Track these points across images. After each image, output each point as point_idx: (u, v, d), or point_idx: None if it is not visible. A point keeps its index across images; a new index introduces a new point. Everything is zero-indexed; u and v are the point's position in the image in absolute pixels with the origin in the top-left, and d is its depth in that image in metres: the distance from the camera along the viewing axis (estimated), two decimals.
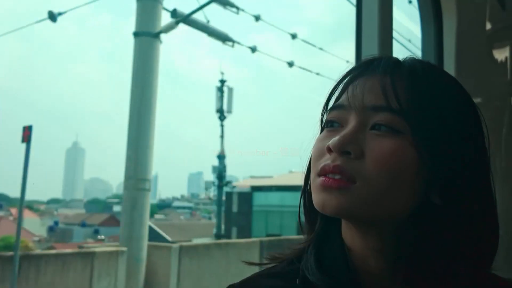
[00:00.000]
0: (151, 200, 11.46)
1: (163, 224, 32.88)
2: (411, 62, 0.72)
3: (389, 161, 0.64)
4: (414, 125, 0.65)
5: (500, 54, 2.00)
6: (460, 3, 1.66)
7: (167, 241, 24.24)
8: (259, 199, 30.22)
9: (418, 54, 1.78)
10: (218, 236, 21.81)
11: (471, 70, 1.79)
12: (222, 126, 21.68)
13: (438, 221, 0.66)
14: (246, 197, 30.43)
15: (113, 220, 35.80)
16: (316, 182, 0.67)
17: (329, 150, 0.66)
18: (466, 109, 0.71)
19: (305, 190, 0.77)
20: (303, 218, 0.79)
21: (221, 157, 22.42)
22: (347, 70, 0.75)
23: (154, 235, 25.66)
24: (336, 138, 0.65)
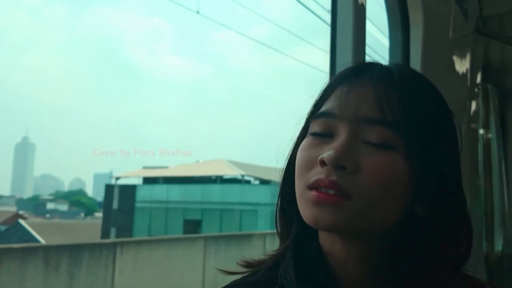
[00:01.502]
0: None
1: (41, 224, 26.64)
2: (402, 71, 0.71)
3: (384, 176, 0.63)
4: (407, 139, 0.64)
5: (462, 60, 2.10)
6: (427, 13, 1.73)
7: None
8: (146, 193, 24.94)
9: (382, 61, 1.85)
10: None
11: (436, 75, 1.87)
12: None
13: (421, 228, 0.67)
14: (129, 191, 24.93)
15: (16, 218, 30.20)
16: (306, 195, 0.66)
17: (322, 163, 0.64)
18: (448, 119, 0.71)
19: (283, 195, 0.76)
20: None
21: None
22: (337, 75, 0.72)
23: (26, 237, 21.18)
24: (331, 153, 0.63)
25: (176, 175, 25.99)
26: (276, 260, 0.74)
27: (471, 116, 2.39)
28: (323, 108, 0.70)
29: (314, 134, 0.69)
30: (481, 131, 3.06)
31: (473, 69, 2.20)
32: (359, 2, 1.31)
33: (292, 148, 0.76)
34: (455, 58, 1.97)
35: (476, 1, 2.09)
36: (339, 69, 1.32)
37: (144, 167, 30.93)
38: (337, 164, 0.63)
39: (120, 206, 24.62)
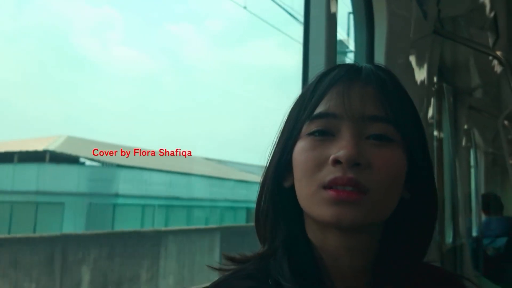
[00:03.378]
0: None
1: None
2: (384, 71, 0.76)
3: (392, 167, 0.68)
4: (403, 132, 0.70)
5: (421, 60, 2.16)
6: (390, 14, 1.77)
7: None
8: None
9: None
10: None
11: (398, 72, 1.92)
12: None
13: (406, 213, 0.73)
14: None
15: None
16: (322, 195, 0.67)
17: (336, 162, 0.66)
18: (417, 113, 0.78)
19: (266, 194, 0.77)
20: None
21: None
22: (333, 76, 0.74)
23: None
24: (345, 151, 0.65)
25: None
26: (265, 256, 0.75)
27: (427, 113, 2.47)
28: (320, 109, 0.71)
29: (313, 134, 0.70)
30: (435, 128, 3.18)
31: (430, 69, 2.27)
32: (331, 11, 1.36)
33: (280, 150, 0.76)
34: (415, 58, 2.02)
35: (435, 3, 2.16)
36: (312, 71, 1.35)
37: None
38: (354, 162, 0.65)
39: None
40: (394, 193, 0.69)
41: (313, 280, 0.70)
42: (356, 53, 1.85)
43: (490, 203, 4.68)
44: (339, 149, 0.66)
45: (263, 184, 0.78)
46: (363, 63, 0.77)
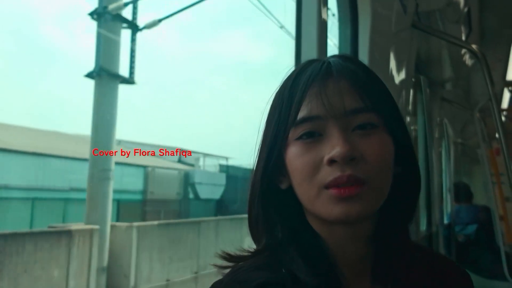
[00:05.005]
0: None
1: None
2: (353, 60, 0.78)
3: (384, 154, 0.71)
4: (385, 116, 0.73)
5: (401, 53, 2.22)
6: (374, 7, 1.82)
7: None
8: None
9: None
10: None
11: (381, 65, 1.97)
12: None
13: (394, 189, 0.75)
14: None
15: None
16: (326, 194, 0.69)
17: (331, 162, 0.69)
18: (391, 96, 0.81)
19: (257, 197, 0.79)
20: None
21: None
22: (307, 77, 0.75)
23: None
24: (338, 150, 0.68)
25: None
26: (269, 250, 0.78)
27: (403, 105, 2.54)
28: (303, 113, 0.72)
29: (301, 138, 0.72)
30: (409, 119, 3.27)
31: (409, 61, 2.33)
32: (322, 19, 1.41)
33: (265, 156, 0.77)
34: (396, 51, 2.07)
35: None
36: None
37: None
38: (349, 158, 0.68)
39: None
40: (389, 175, 0.73)
41: (323, 268, 0.73)
42: (341, 48, 1.89)
43: (460, 192, 4.83)
44: (331, 148, 0.69)
45: (253, 188, 0.80)
46: (329, 57, 0.78)
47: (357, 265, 0.76)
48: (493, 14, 3.15)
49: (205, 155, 25.74)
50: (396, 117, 0.76)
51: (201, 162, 25.56)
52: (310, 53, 1.38)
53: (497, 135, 5.68)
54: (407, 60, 2.32)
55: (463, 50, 3.34)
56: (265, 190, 0.78)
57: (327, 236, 0.75)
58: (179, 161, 22.99)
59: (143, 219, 15.88)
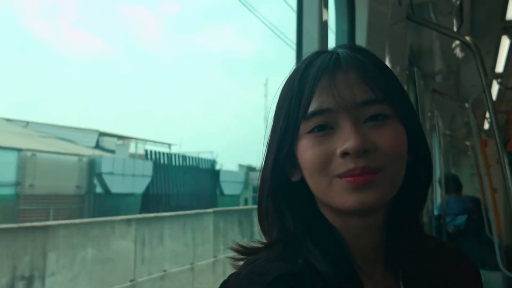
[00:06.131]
0: None
1: None
2: (361, 50, 0.77)
3: (398, 143, 0.71)
4: (396, 106, 0.73)
5: (396, 45, 2.22)
6: (371, 1, 1.82)
7: None
8: None
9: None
10: None
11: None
12: None
13: (409, 178, 0.76)
14: None
15: None
16: (339, 184, 0.70)
17: (344, 154, 0.69)
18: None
19: (268, 189, 0.79)
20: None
21: None
22: (316, 69, 0.74)
23: None
24: (351, 143, 0.68)
25: None
26: (284, 242, 0.78)
27: None
28: (314, 107, 0.72)
29: (312, 131, 0.72)
30: None
31: (403, 54, 2.34)
32: (323, 19, 1.43)
33: (275, 150, 0.77)
34: (391, 43, 2.08)
35: None
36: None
37: None
38: (362, 151, 0.68)
39: None
40: (403, 164, 0.73)
41: (340, 258, 0.73)
42: (338, 37, 1.89)
43: (450, 183, 4.89)
44: (344, 141, 0.69)
45: (263, 181, 0.80)
46: (337, 48, 0.77)
47: (370, 253, 0.77)
48: (483, 6, 3.17)
49: (138, 140, 21.80)
50: (407, 107, 0.76)
51: (133, 149, 21.43)
52: (311, 30, 1.40)
53: (485, 126, 5.74)
54: (402, 52, 2.33)
55: (454, 43, 3.36)
56: (275, 183, 0.78)
57: (341, 226, 0.76)
58: (97, 146, 18.92)
59: (15, 221, 11.65)
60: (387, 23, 2.00)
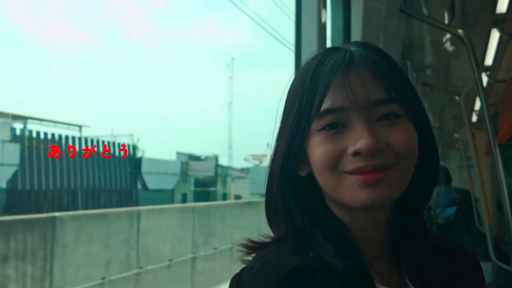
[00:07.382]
0: None
1: None
2: (374, 48, 0.78)
3: (410, 142, 0.73)
4: (408, 105, 0.74)
5: (389, 38, 2.23)
6: None
7: None
8: None
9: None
10: None
11: None
12: None
13: (416, 175, 0.76)
14: None
15: None
16: (349, 180, 0.71)
17: (356, 153, 0.70)
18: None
19: (276, 184, 0.80)
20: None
21: None
22: (329, 67, 0.74)
23: None
24: (364, 142, 0.69)
25: None
26: (293, 235, 0.78)
27: None
28: (326, 105, 0.72)
29: (324, 129, 0.73)
30: None
31: (397, 47, 2.35)
32: (322, 21, 1.45)
33: (285, 145, 0.78)
34: (385, 36, 2.08)
35: None
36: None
37: None
38: (374, 151, 0.69)
39: None
40: (414, 161, 0.74)
41: (349, 252, 0.74)
42: (333, 32, 1.88)
43: (440, 175, 4.93)
44: (356, 140, 0.70)
45: (271, 175, 0.81)
46: (350, 46, 0.77)
47: (376, 247, 0.78)
48: None
49: (26, 118, 16.46)
50: (417, 106, 0.77)
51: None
52: (309, 28, 1.41)
53: (473, 119, 5.78)
54: (395, 45, 2.34)
55: (444, 36, 3.38)
56: (284, 178, 0.79)
57: (348, 221, 0.77)
58: None
59: None
60: (381, 16, 2.00)
